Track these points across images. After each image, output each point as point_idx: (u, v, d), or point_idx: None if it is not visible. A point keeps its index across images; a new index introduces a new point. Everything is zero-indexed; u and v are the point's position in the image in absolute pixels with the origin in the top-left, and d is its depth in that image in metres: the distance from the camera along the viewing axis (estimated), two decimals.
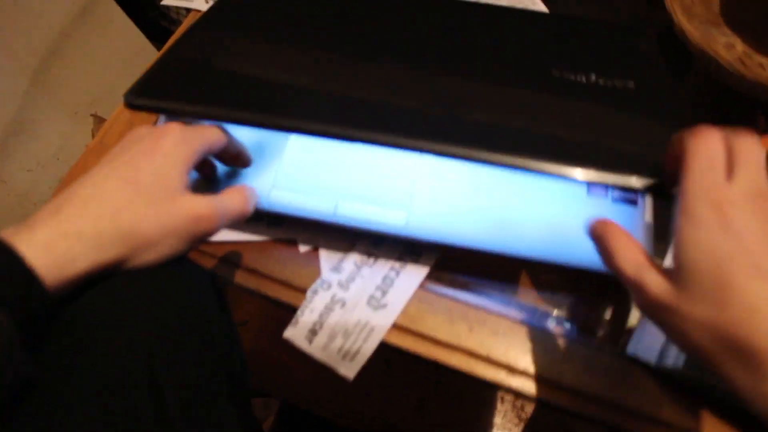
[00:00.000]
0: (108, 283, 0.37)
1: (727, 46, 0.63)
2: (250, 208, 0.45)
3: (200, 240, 0.40)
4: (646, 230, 0.49)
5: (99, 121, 1.11)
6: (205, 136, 0.44)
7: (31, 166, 1.08)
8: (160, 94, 0.50)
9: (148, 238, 0.38)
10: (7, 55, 1.01)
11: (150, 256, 0.38)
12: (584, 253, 0.48)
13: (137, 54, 1.25)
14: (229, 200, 0.43)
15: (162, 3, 0.70)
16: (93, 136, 1.13)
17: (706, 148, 0.36)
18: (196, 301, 0.40)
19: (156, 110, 0.51)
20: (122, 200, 0.38)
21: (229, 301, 0.43)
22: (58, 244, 0.34)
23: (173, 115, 0.57)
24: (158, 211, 0.38)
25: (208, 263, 0.52)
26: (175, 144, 0.41)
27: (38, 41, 1.07)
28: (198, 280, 0.41)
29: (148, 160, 0.40)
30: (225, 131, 0.47)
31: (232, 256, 0.52)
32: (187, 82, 0.51)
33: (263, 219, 0.52)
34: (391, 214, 0.49)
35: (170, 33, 0.70)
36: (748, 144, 0.35)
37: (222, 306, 0.42)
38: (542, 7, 0.65)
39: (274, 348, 0.83)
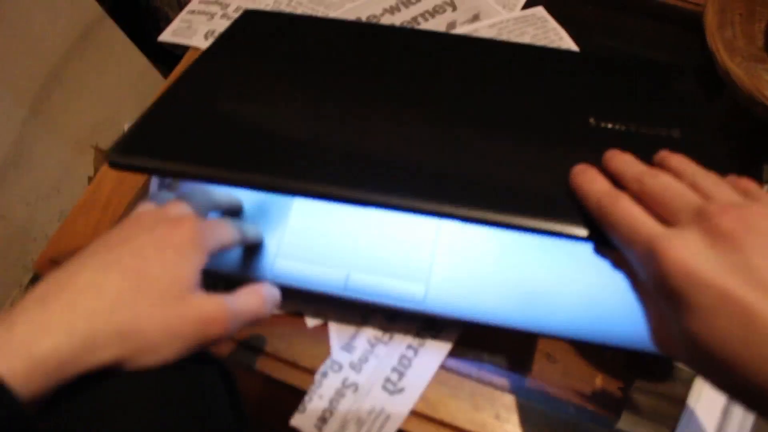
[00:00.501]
0: (102, 385, 0.32)
1: None
2: (268, 310, 0.39)
3: (209, 345, 0.36)
4: None
5: (100, 153, 1.07)
6: (221, 233, 0.40)
7: (30, 199, 1.04)
8: (148, 152, 0.44)
9: (150, 340, 0.33)
10: (4, 82, 0.97)
11: (150, 360, 0.33)
12: (624, 331, 0.43)
13: (141, 79, 1.21)
14: (244, 301, 0.38)
15: (159, 40, 0.66)
16: (94, 168, 1.08)
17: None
18: (204, 404, 0.35)
19: (143, 170, 0.46)
20: (125, 295, 0.33)
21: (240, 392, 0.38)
22: (42, 343, 0.29)
23: (163, 176, 0.53)
24: (165, 312, 0.34)
25: None
26: (190, 239, 0.36)
27: (37, 68, 1.03)
28: (206, 376, 0.36)
29: (158, 252, 0.35)
30: (239, 228, 0.42)
31: None
32: (178, 138, 0.46)
33: None
34: (407, 287, 0.44)
35: (175, 57, 0.65)
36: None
37: (233, 403, 0.37)
38: (571, 44, 0.60)
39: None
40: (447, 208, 0.38)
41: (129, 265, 0.34)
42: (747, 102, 0.52)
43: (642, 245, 0.30)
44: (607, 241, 0.34)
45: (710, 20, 0.56)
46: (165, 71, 1.22)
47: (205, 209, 0.42)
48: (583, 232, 0.35)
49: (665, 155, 0.37)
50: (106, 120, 1.15)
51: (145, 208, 0.41)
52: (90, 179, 1.12)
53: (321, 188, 0.41)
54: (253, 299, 0.38)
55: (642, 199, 0.32)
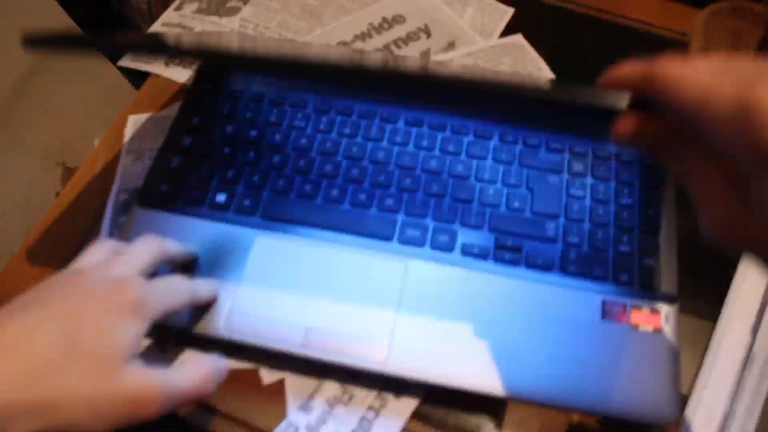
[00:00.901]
0: None
1: None
2: (210, 389, 0.36)
3: (139, 422, 0.32)
4: (673, 362, 0.41)
5: (68, 171, 1.03)
6: (168, 296, 0.36)
7: None
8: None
9: (73, 417, 0.30)
10: None
11: None
12: (600, 395, 0.40)
13: (112, 92, 1.16)
14: (185, 379, 0.35)
15: (118, 65, 0.62)
16: (62, 185, 1.04)
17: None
18: None
19: None
20: (52, 361, 0.30)
21: None
22: None
23: None
24: (93, 387, 0.31)
25: None
26: (132, 305, 0.33)
27: (1, 81, 0.99)
28: None
29: (95, 317, 0.32)
30: (190, 288, 0.39)
31: None
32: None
33: (219, 345, 0.44)
34: (368, 348, 0.41)
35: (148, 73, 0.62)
36: None
37: None
38: (549, 74, 0.57)
39: None
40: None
41: (61, 328, 0.31)
42: None
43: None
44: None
45: (696, 50, 0.54)
46: (137, 83, 1.18)
47: (156, 261, 0.39)
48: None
49: None
50: (75, 135, 1.12)
51: (91, 260, 0.38)
52: (58, 196, 1.08)
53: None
54: (196, 377, 0.35)
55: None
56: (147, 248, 0.39)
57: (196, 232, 0.46)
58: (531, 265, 0.44)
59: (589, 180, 0.48)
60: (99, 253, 0.38)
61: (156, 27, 0.64)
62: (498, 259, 0.44)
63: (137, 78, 1.19)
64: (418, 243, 0.45)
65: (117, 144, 0.56)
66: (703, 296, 0.46)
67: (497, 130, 0.50)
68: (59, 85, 1.08)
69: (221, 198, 0.48)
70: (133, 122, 0.56)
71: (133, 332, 0.33)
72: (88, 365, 0.31)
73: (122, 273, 0.36)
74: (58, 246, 0.51)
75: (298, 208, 0.47)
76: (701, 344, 0.44)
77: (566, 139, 0.50)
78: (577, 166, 0.48)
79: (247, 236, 0.46)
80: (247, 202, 0.47)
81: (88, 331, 0.32)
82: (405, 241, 0.45)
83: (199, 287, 0.40)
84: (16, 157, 1.03)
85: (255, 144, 0.50)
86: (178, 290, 0.38)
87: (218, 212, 0.47)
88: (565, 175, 0.48)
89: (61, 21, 1.07)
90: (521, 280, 0.43)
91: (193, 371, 0.35)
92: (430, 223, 0.46)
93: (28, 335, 0.31)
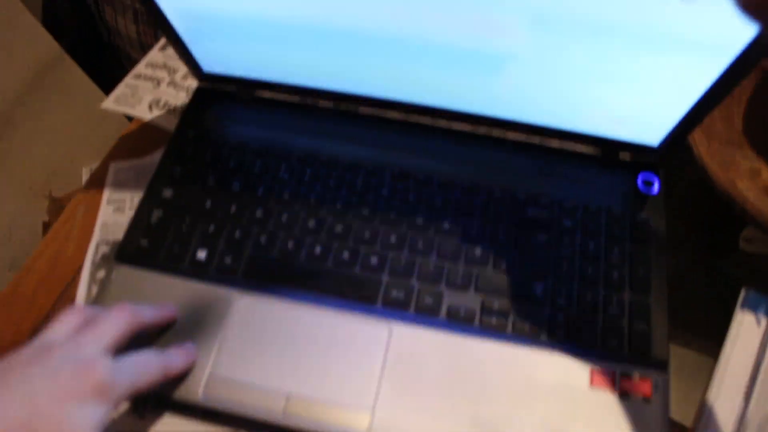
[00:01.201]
0: None
1: (751, 174, 0.54)
2: None
3: None
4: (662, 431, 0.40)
5: (55, 202, 1.02)
6: (138, 376, 0.36)
7: None
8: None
9: None
10: None
11: None
12: None
13: (102, 121, 1.15)
14: None
15: (102, 107, 0.61)
16: (48, 217, 1.03)
17: None
18: None
19: None
20: None
21: None
22: None
23: None
24: None
25: None
26: (96, 390, 0.33)
27: None
28: None
29: (54, 404, 0.31)
30: (163, 364, 0.38)
31: None
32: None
33: (198, 411, 0.42)
34: (351, 416, 0.40)
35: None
36: None
37: None
38: None
39: None
40: None
41: (16, 414, 0.30)
42: (721, 194, 0.48)
43: None
44: None
45: None
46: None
47: (129, 333, 0.38)
48: None
49: None
50: (63, 165, 1.10)
51: (60, 331, 0.36)
52: (45, 226, 1.07)
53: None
54: None
55: None
56: (120, 320, 0.37)
57: (175, 291, 0.45)
58: (518, 330, 0.43)
59: (578, 237, 0.47)
60: (70, 322, 0.37)
61: (140, 68, 0.63)
62: (484, 324, 0.43)
63: None
64: (403, 305, 0.44)
65: (96, 194, 0.54)
66: (694, 363, 0.45)
67: (485, 186, 0.49)
68: (48, 115, 1.07)
69: (201, 255, 0.46)
70: (114, 170, 0.55)
71: (96, 417, 0.32)
72: None
73: (89, 353, 0.34)
74: (38, 297, 0.49)
75: (281, 266, 0.46)
76: (692, 410, 0.43)
77: (555, 191, 0.49)
78: (566, 222, 0.47)
79: (227, 296, 0.45)
80: (228, 260, 0.46)
81: (48, 419, 0.31)
82: (389, 303, 0.44)
83: (173, 360, 0.39)
84: (2, 188, 1.02)
85: (237, 197, 0.49)
86: (147, 368, 0.37)
87: (198, 270, 0.46)
88: (554, 232, 0.47)
89: (49, 47, 1.06)
90: (508, 345, 0.42)
91: None
92: (415, 284, 0.45)
93: None
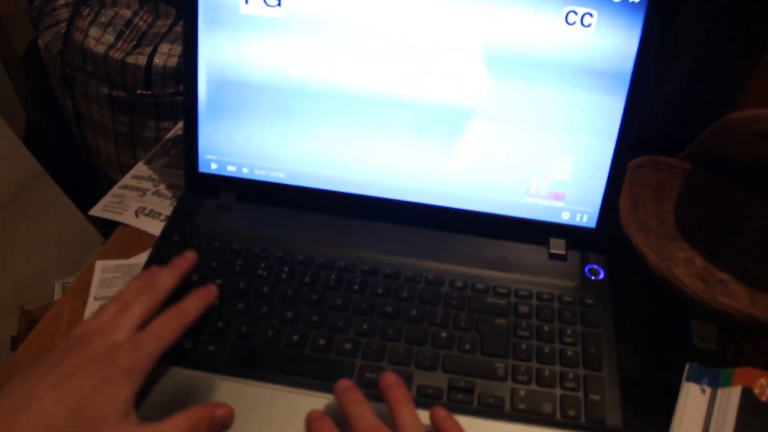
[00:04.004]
0: None
1: (685, 262, 0.60)
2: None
3: None
4: None
5: (26, 314, 1.03)
6: (160, 343, 0.42)
7: None
8: None
9: None
10: None
11: None
12: None
13: (75, 236, 1.19)
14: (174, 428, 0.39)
15: (90, 214, 0.65)
16: (18, 330, 1.03)
17: None
18: None
19: None
20: (56, 427, 0.35)
21: None
22: None
23: None
24: None
25: None
26: (125, 373, 0.39)
27: None
28: None
29: (92, 386, 0.37)
30: (181, 315, 0.45)
31: None
32: None
33: None
34: None
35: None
36: None
37: None
38: None
39: None
40: None
41: (69, 399, 0.36)
42: (661, 280, 0.54)
43: None
44: None
45: (624, 202, 0.59)
46: (102, 228, 1.20)
47: (153, 307, 0.45)
48: None
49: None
50: (34, 279, 1.12)
51: (95, 322, 0.42)
52: (13, 340, 1.07)
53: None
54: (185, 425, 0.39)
55: None
56: (144, 298, 0.44)
57: (159, 378, 0.47)
58: (483, 404, 0.46)
59: (534, 321, 0.51)
60: (107, 313, 0.43)
61: (127, 179, 0.68)
62: (452, 400, 0.46)
63: (102, 223, 1.22)
64: (376, 385, 0.47)
65: (83, 291, 0.57)
66: (647, 426, 0.48)
67: (447, 278, 0.54)
68: (23, 231, 1.09)
69: (186, 344, 0.49)
70: (101, 269, 0.59)
71: (128, 394, 0.38)
72: (88, 428, 0.36)
73: (119, 337, 0.41)
74: None
75: (261, 353, 0.49)
76: None
77: (510, 281, 0.54)
78: (522, 309, 0.52)
79: (210, 381, 0.48)
80: (211, 348, 0.49)
81: (87, 399, 0.36)
82: (364, 384, 0.47)
83: (189, 310, 0.46)
84: None
85: (219, 291, 0.53)
86: (168, 330, 0.43)
87: (182, 358, 0.49)
88: (512, 318, 0.52)
89: (29, 165, 1.11)
90: (475, 419, 0.46)
91: (184, 419, 0.39)
92: (387, 366, 0.48)
93: (38, 404, 0.35)
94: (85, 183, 1.27)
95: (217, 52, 0.56)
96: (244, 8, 0.54)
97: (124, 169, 1.13)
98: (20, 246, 1.10)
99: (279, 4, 0.53)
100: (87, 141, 1.15)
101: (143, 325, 0.43)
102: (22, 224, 1.10)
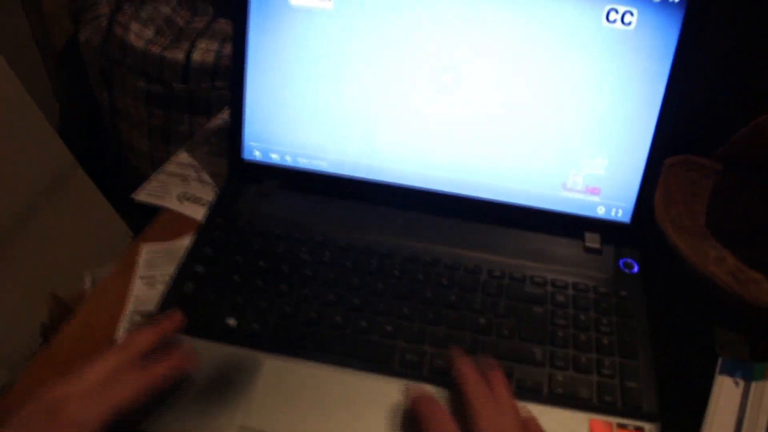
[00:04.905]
0: None
1: (717, 260, 0.61)
2: None
3: None
4: None
5: (57, 301, 1.04)
6: (116, 398, 0.41)
7: None
8: None
9: None
10: None
11: None
12: None
13: (106, 230, 1.21)
14: None
15: (134, 198, 0.67)
16: (50, 316, 1.06)
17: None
18: None
19: None
20: None
21: None
22: None
23: None
24: None
25: None
26: (78, 418, 0.39)
27: (2, 212, 1.03)
28: None
29: None
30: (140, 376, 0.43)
31: None
32: None
33: None
34: None
35: (142, 209, 0.66)
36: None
37: None
38: None
39: None
40: None
41: None
42: (693, 275, 0.54)
43: None
44: None
45: (658, 199, 0.60)
46: (132, 222, 1.22)
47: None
48: None
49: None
50: (65, 268, 1.14)
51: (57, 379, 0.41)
52: (44, 327, 1.09)
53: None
54: None
55: None
56: (112, 355, 0.43)
57: (207, 354, 0.49)
58: (522, 387, 0.47)
59: (570, 310, 0.52)
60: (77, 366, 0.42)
61: (169, 166, 0.70)
62: None
63: (131, 218, 1.24)
64: (417, 367, 0.48)
65: (128, 270, 0.59)
66: (681, 417, 0.49)
67: (486, 266, 0.55)
68: (57, 222, 1.12)
69: (231, 322, 0.51)
70: (146, 251, 0.60)
71: None
72: None
73: (75, 390, 0.40)
74: (71, 361, 0.53)
75: (304, 333, 0.50)
76: None
77: (548, 273, 0.55)
78: (559, 298, 0.53)
79: (255, 358, 0.49)
80: (255, 327, 0.51)
81: None
82: (405, 365, 0.48)
83: (157, 370, 0.44)
84: (5, 288, 1.04)
85: (263, 273, 0.54)
86: (128, 386, 0.42)
87: (228, 335, 0.50)
88: (549, 306, 0.53)
89: (63, 158, 1.13)
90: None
91: None
92: (428, 349, 0.50)
93: None
94: (116, 176, 1.30)
95: (266, 43, 0.58)
96: (293, 0, 0.56)
97: (156, 162, 1.16)
98: (51, 235, 1.12)
99: None
100: (121, 134, 1.18)
101: (107, 380, 0.42)
102: (54, 214, 1.12)
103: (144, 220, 0.66)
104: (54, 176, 1.12)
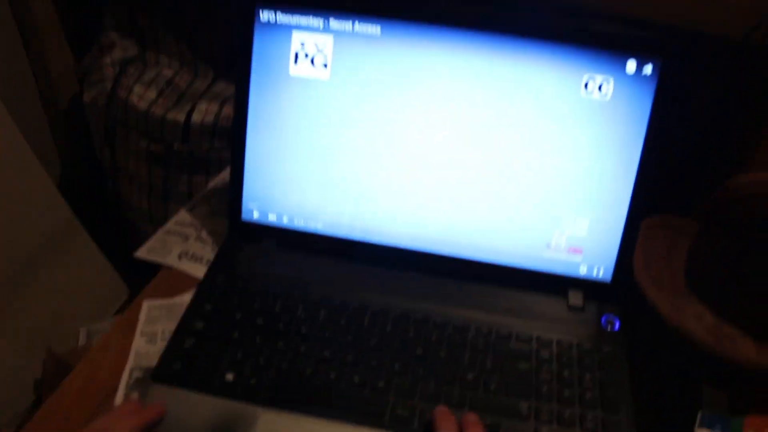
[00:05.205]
0: None
1: (696, 317, 0.63)
2: None
3: None
4: None
5: (52, 356, 1.05)
6: None
7: None
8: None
9: None
10: None
11: None
12: None
13: (103, 285, 1.22)
14: None
15: (135, 255, 0.70)
16: (44, 369, 1.06)
17: None
18: None
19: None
20: None
21: None
22: None
23: None
24: None
25: None
26: None
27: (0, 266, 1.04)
28: None
29: None
30: None
31: None
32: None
33: None
34: None
35: (140, 265, 0.68)
36: None
37: None
38: None
39: None
40: None
41: None
42: (673, 331, 0.57)
43: None
44: None
45: (637, 259, 0.63)
46: (129, 279, 1.24)
47: None
48: None
49: None
50: (61, 324, 1.15)
51: None
52: (37, 383, 1.10)
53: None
54: None
55: None
56: None
57: (205, 407, 0.51)
58: None
59: (555, 366, 0.55)
60: None
61: (170, 225, 0.73)
62: None
63: (129, 274, 1.26)
64: (408, 422, 0.50)
65: (130, 327, 0.61)
66: None
67: (473, 324, 0.58)
68: (54, 277, 1.13)
69: (230, 377, 0.53)
70: (147, 308, 0.63)
71: None
72: None
73: None
74: (73, 414, 0.54)
75: (300, 388, 0.52)
76: None
77: (532, 329, 0.58)
78: (544, 354, 0.56)
79: (251, 412, 0.51)
80: (252, 381, 0.53)
81: None
82: (396, 420, 0.50)
83: None
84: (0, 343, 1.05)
85: (261, 330, 0.57)
86: None
87: (227, 390, 0.52)
88: (534, 362, 0.55)
89: (62, 214, 1.15)
90: None
91: None
92: (418, 404, 0.52)
93: None
94: (114, 233, 1.32)
95: (266, 109, 0.61)
96: (293, 69, 0.60)
97: (155, 220, 1.18)
98: (48, 290, 1.14)
99: (325, 66, 0.59)
100: (120, 192, 1.20)
101: None
102: (51, 269, 1.14)
103: (141, 278, 0.68)
104: (52, 231, 1.14)
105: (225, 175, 0.82)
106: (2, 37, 1.12)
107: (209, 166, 1.07)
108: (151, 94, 1.06)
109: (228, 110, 1.03)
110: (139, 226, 1.22)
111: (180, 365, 0.54)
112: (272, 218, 0.64)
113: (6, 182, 1.05)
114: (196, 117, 1.02)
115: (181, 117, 1.03)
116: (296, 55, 0.59)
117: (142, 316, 0.62)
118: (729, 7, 0.64)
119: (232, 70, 1.10)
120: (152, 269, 0.69)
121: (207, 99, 1.05)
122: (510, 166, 0.59)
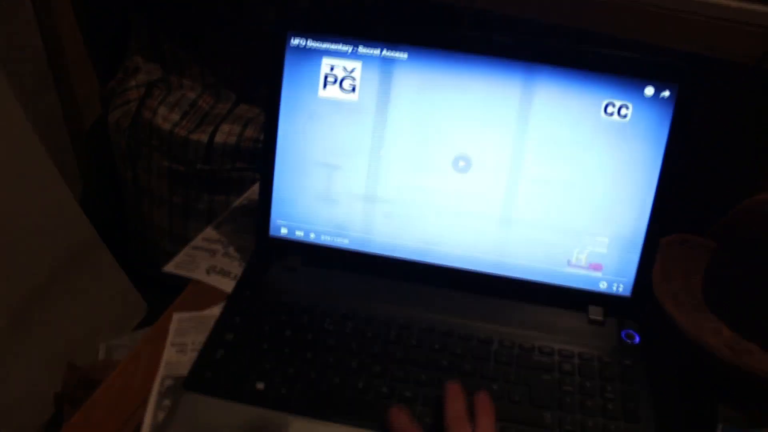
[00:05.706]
0: None
1: (713, 332, 0.65)
2: None
3: None
4: None
5: (73, 370, 1.07)
6: None
7: None
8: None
9: None
10: None
11: None
12: None
13: (122, 302, 1.25)
14: None
15: (164, 270, 0.72)
16: (64, 383, 1.08)
17: None
18: None
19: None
20: None
21: None
22: None
23: None
24: None
25: None
26: None
27: (23, 282, 1.07)
28: None
29: None
30: None
31: None
32: None
33: None
34: None
35: (161, 284, 0.70)
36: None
37: None
38: None
39: None
40: None
41: None
42: (691, 346, 0.58)
43: None
44: None
45: (656, 275, 0.65)
46: (148, 296, 1.26)
47: None
48: None
49: None
50: (81, 339, 1.17)
51: None
52: (56, 397, 1.11)
53: None
54: None
55: None
56: None
57: (236, 415, 0.52)
58: None
59: (577, 378, 0.56)
60: None
61: (197, 241, 0.75)
62: None
63: (149, 291, 1.28)
64: (434, 430, 0.52)
65: (160, 338, 0.63)
66: None
67: (497, 337, 0.59)
68: (75, 293, 1.16)
69: (260, 386, 0.54)
70: (177, 320, 0.64)
71: None
72: None
73: None
74: (107, 423, 0.56)
75: (328, 397, 0.54)
76: None
77: (555, 343, 0.59)
78: (566, 366, 0.57)
79: (282, 420, 0.52)
80: (282, 391, 0.54)
81: None
82: (422, 428, 0.52)
83: None
84: (22, 356, 1.07)
85: (289, 342, 0.58)
86: None
87: (257, 398, 0.54)
88: (557, 374, 0.56)
89: (85, 231, 1.18)
90: None
91: None
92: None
93: None
94: (134, 251, 1.34)
95: (295, 129, 0.63)
96: (321, 92, 0.62)
97: (175, 238, 1.21)
98: (69, 305, 1.16)
99: (353, 90, 0.61)
100: (142, 210, 1.23)
101: None
102: (76, 289, 1.16)
103: (161, 295, 0.70)
104: (75, 248, 1.17)
105: (250, 194, 0.84)
106: (30, 61, 1.16)
107: (230, 186, 1.10)
108: (175, 116, 1.09)
109: (250, 132, 1.06)
110: (159, 243, 1.24)
111: (211, 374, 0.55)
112: (299, 234, 0.66)
113: (31, 200, 1.08)
114: (218, 138, 1.05)
115: (204, 138, 1.06)
116: (325, 78, 0.62)
117: (172, 328, 0.64)
118: (742, 34, 0.66)
119: (255, 92, 1.13)
120: (172, 287, 0.70)
121: (229, 121, 1.08)
122: (534, 186, 0.61)
